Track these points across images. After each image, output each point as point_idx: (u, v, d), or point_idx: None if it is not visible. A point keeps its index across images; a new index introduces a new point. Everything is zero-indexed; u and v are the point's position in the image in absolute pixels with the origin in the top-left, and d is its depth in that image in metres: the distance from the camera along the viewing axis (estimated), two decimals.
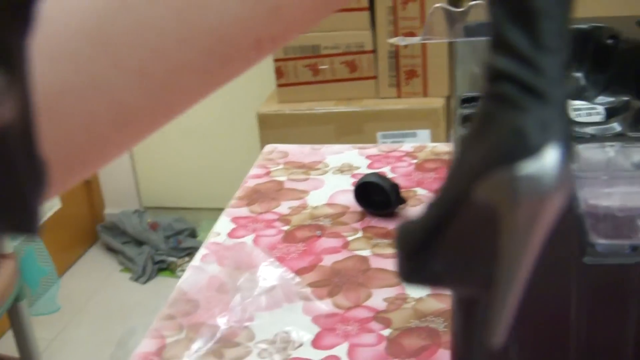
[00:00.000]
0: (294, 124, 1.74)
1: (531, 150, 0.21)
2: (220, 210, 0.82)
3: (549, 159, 0.21)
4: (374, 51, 1.76)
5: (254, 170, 0.89)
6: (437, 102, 1.74)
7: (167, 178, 2.51)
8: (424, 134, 1.73)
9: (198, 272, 0.70)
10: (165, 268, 2.34)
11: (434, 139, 1.72)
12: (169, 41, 0.27)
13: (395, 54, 1.75)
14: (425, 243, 0.26)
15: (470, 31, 0.77)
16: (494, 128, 0.22)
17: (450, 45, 1.58)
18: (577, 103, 0.65)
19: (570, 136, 0.22)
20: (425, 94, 1.78)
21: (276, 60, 1.76)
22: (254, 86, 2.07)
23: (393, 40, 0.80)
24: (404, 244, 0.27)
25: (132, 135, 0.30)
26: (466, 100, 0.62)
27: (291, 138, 1.71)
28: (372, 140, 1.73)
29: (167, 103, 0.30)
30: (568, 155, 0.22)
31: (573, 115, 0.62)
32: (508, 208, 0.22)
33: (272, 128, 1.75)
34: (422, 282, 0.27)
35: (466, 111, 0.59)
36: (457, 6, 1.75)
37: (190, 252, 2.33)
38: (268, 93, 1.89)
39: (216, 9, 0.27)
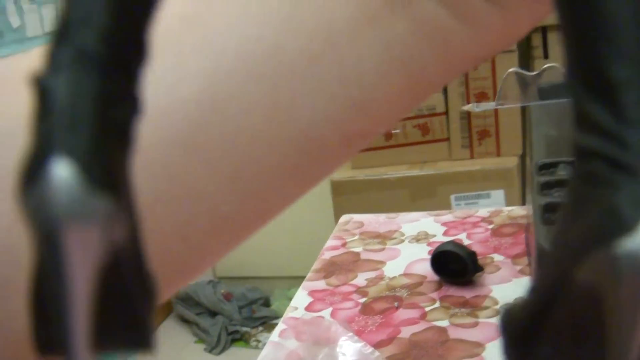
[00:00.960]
0: (368, 190, 1.75)
1: (627, 227, 0.20)
2: (293, 278, 0.83)
3: None
4: (445, 113, 1.77)
5: (330, 242, 0.89)
6: (510, 162, 1.72)
7: (240, 247, 2.52)
8: (498, 195, 1.71)
9: (277, 348, 0.70)
10: (239, 338, 2.34)
11: (509, 198, 1.71)
12: (261, 144, 0.27)
13: (467, 115, 1.75)
14: (530, 328, 0.25)
15: (544, 93, 0.77)
16: (588, 208, 0.22)
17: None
18: None
19: None
20: (498, 153, 1.77)
21: None
22: None
23: (467, 107, 0.80)
24: (509, 329, 0.26)
25: (228, 241, 0.30)
26: (543, 167, 0.62)
27: (365, 204, 1.72)
28: (446, 203, 1.72)
29: (261, 207, 0.29)
30: None
31: None
32: (611, 287, 0.22)
33: (346, 194, 1.76)
34: None
35: (544, 178, 0.58)
36: (529, 69, 1.75)
37: (264, 321, 2.34)
38: None
39: (305, 109, 0.27)
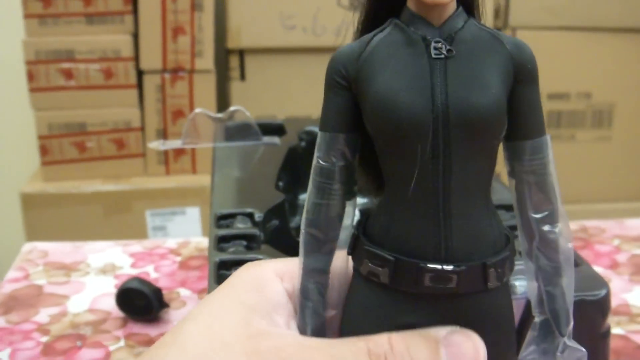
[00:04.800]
0: (60, 204, 1.70)
1: None
2: None
3: None
4: (142, 128, 1.77)
5: (11, 273, 0.86)
6: (205, 180, 1.77)
7: None
8: (193, 211, 1.75)
9: None
10: None
11: (203, 215, 1.75)
12: None
13: (164, 132, 1.77)
14: None
15: (231, 134, 0.80)
16: None
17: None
18: None
19: None
20: (194, 170, 1.81)
21: (40, 137, 1.72)
22: (17, 164, 2.01)
23: (153, 145, 0.81)
24: None
25: None
26: (222, 218, 0.64)
27: (57, 219, 1.67)
28: (141, 219, 1.72)
29: None
30: None
31: None
32: None
33: (37, 208, 1.70)
34: None
35: (221, 232, 0.60)
36: (226, 90, 1.81)
37: None
38: (32, 172, 1.83)
39: None
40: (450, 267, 0.30)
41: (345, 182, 0.32)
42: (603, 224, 0.95)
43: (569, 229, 0.33)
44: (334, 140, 0.32)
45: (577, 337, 0.34)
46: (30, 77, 1.70)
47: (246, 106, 0.84)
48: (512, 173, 0.33)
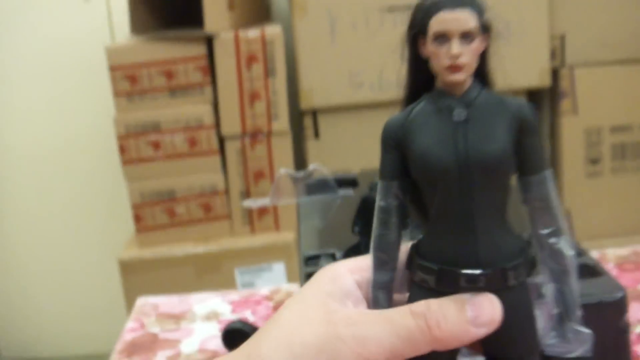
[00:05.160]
0: (156, 268, 1.81)
1: None
2: (88, 357, 0.88)
3: None
4: (226, 192, 1.88)
5: (129, 324, 0.96)
6: (288, 236, 1.86)
7: (28, 325, 2.49)
8: (278, 267, 1.84)
9: None
10: None
11: (288, 269, 1.84)
12: None
13: (247, 193, 1.87)
14: None
15: (311, 189, 0.89)
16: None
17: None
18: None
19: None
20: (277, 228, 1.90)
21: (134, 206, 1.84)
22: (113, 232, 2.14)
23: (246, 203, 0.91)
24: None
25: None
26: (309, 259, 0.73)
27: (153, 282, 1.78)
28: (231, 277, 1.82)
29: None
30: None
31: None
32: None
33: (134, 273, 1.81)
34: None
35: (309, 269, 0.69)
36: (302, 149, 1.91)
37: None
38: (127, 239, 1.96)
39: None
40: (479, 272, 0.40)
41: (400, 216, 0.43)
42: None
43: (570, 241, 0.43)
44: (390, 186, 0.43)
45: (600, 333, 0.44)
46: (122, 150, 1.83)
47: (321, 162, 0.93)
48: (524, 200, 0.43)
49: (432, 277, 0.41)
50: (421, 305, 0.41)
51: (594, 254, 0.99)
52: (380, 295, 0.44)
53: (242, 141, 1.87)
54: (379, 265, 0.44)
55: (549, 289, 0.43)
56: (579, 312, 0.43)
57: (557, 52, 1.93)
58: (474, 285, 0.40)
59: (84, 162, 2.36)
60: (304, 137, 1.93)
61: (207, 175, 1.86)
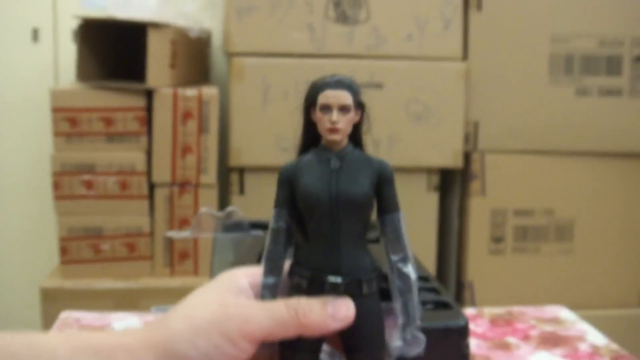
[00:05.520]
0: (77, 299, 1.91)
1: None
2: None
3: None
4: (151, 234, 2.00)
5: (52, 333, 1.06)
6: (206, 281, 1.98)
7: None
8: None
9: None
10: None
11: None
12: None
13: (170, 238, 1.99)
14: None
15: (227, 228, 1.04)
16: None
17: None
18: None
19: None
20: (196, 273, 2.03)
21: (62, 239, 1.95)
22: (36, 263, 2.23)
23: (170, 233, 1.05)
24: None
25: None
26: None
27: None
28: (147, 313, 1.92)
29: None
30: None
31: None
32: None
33: (55, 302, 1.91)
34: None
35: None
36: (227, 203, 2.05)
37: None
38: (50, 270, 2.05)
39: None
40: (340, 280, 0.54)
41: (287, 236, 0.57)
42: (525, 309, 1.17)
43: (414, 266, 0.57)
44: (281, 213, 0.57)
45: (445, 355, 0.57)
46: (56, 186, 1.94)
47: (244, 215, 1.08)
48: (381, 233, 0.57)
49: (305, 281, 0.55)
50: (294, 300, 0.55)
51: (471, 310, 1.15)
52: (267, 294, 0.57)
53: (171, 189, 2.00)
54: (267, 271, 0.57)
55: (395, 302, 0.57)
56: (418, 322, 0.57)
57: (471, 137, 2.12)
58: (335, 290, 0.54)
59: (18, 193, 2.46)
60: (230, 192, 2.07)
61: (134, 217, 1.98)
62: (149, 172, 1.99)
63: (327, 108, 0.55)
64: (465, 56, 2.08)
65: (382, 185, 0.55)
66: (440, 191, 2.14)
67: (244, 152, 2.02)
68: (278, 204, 0.57)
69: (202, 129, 1.99)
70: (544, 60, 2.10)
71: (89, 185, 1.95)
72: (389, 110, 2.02)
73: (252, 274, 0.58)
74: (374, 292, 0.56)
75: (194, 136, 1.99)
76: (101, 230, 1.97)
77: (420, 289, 0.66)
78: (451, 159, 2.09)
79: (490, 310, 1.17)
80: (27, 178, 2.43)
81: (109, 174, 1.96)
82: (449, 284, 2.22)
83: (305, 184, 0.55)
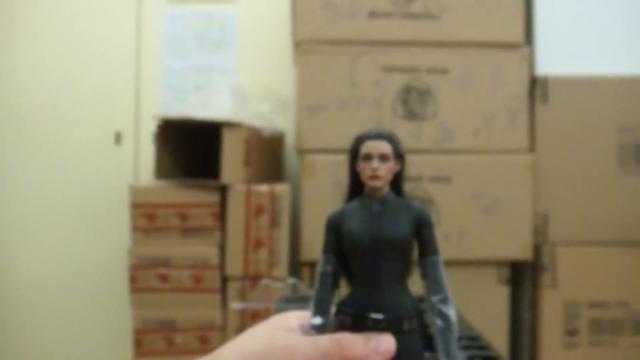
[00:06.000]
0: None
1: None
2: None
3: None
4: (223, 328, 2.03)
5: None
6: None
7: None
8: None
9: None
10: None
11: None
12: None
13: (241, 327, 2.01)
14: None
15: (288, 301, 1.06)
16: None
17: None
18: None
19: None
20: None
21: (136, 331, 1.99)
22: (112, 355, 2.27)
23: (234, 305, 1.08)
24: None
25: None
26: None
27: None
28: None
29: None
30: None
31: None
32: None
33: None
34: None
35: None
36: (279, 279, 2.07)
37: None
38: None
39: None
40: (382, 317, 0.58)
41: (334, 279, 0.61)
42: None
43: (454, 307, 0.60)
44: (328, 257, 0.61)
45: None
46: (133, 279, 2.00)
47: None
48: (422, 275, 0.61)
49: (349, 318, 0.59)
50: (338, 334, 0.58)
51: None
52: (315, 334, 0.61)
53: (243, 283, 2.04)
54: (315, 312, 0.61)
55: (437, 343, 0.59)
56: (458, 358, 0.59)
57: (540, 229, 2.11)
58: (378, 327, 0.57)
59: (94, 287, 2.54)
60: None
61: (207, 310, 2.02)
62: (222, 266, 2.04)
63: (368, 157, 0.59)
64: (532, 148, 2.09)
65: (421, 229, 0.59)
66: (511, 284, 2.12)
67: (315, 246, 2.05)
68: (325, 249, 0.61)
69: (274, 223, 2.04)
70: (613, 150, 2.10)
71: (164, 278, 2.01)
72: (457, 203, 2.04)
73: (301, 316, 0.63)
74: (414, 329, 0.59)
75: (266, 230, 2.04)
76: (174, 323, 2.01)
77: (471, 347, 0.69)
78: (521, 251, 2.08)
79: None
80: (105, 272, 2.51)
81: (183, 268, 2.02)
82: None
83: (349, 227, 0.59)
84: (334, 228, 0.61)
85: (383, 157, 0.60)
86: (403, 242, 0.58)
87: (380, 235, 0.58)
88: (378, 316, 0.57)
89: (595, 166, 2.11)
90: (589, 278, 2.12)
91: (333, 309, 0.61)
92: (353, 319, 0.58)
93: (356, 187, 0.62)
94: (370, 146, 0.60)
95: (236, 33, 2.59)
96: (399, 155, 0.61)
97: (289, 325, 0.61)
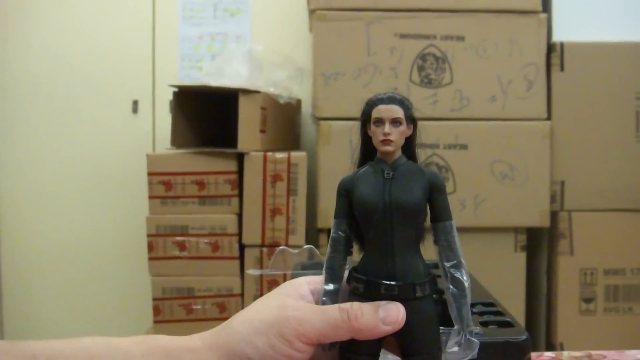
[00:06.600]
0: None
1: None
2: None
3: None
4: (241, 295, 2.05)
5: None
6: None
7: None
8: None
9: None
10: None
11: None
12: None
13: (259, 294, 2.03)
14: None
15: (304, 267, 1.07)
16: None
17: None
18: None
19: None
20: None
21: (155, 299, 2.02)
22: (130, 322, 2.30)
23: (249, 271, 1.09)
24: None
25: None
26: None
27: None
28: None
29: None
30: None
31: None
32: None
33: None
34: None
35: None
36: (294, 247, 2.07)
37: None
38: (145, 329, 2.12)
39: None
40: (394, 283, 0.57)
41: (346, 245, 0.60)
42: (606, 352, 1.15)
43: (467, 272, 0.59)
44: (340, 222, 0.60)
45: None
46: (150, 247, 2.02)
47: None
48: (435, 241, 0.60)
49: (362, 285, 0.58)
50: (347, 304, 0.58)
51: (549, 354, 1.14)
52: (327, 301, 0.60)
53: (261, 251, 2.05)
54: (327, 279, 0.61)
55: (450, 307, 0.59)
56: (471, 326, 0.59)
57: (557, 196, 2.11)
58: (390, 293, 0.57)
59: (112, 255, 2.57)
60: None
61: (225, 277, 2.04)
62: (239, 234, 2.05)
63: (380, 121, 0.58)
64: (549, 116, 2.08)
65: (434, 194, 0.59)
66: (528, 251, 2.13)
67: (332, 214, 2.05)
68: (337, 214, 0.60)
69: (291, 191, 2.05)
70: (630, 117, 2.09)
71: (182, 246, 2.03)
72: (474, 171, 2.03)
73: (313, 281, 0.62)
74: (427, 295, 0.58)
75: (283, 198, 2.05)
76: (193, 291, 2.03)
77: (486, 312, 0.68)
78: (538, 218, 2.08)
79: (569, 354, 1.16)
80: (123, 240, 2.54)
81: (201, 236, 2.03)
82: (538, 345, 2.18)
83: (361, 193, 0.58)
84: (346, 193, 0.60)
85: (395, 122, 0.58)
86: (415, 208, 0.57)
87: (392, 200, 0.57)
88: (390, 282, 0.57)
89: (612, 133, 2.10)
90: (605, 245, 2.11)
91: (346, 274, 0.61)
92: (365, 285, 0.58)
93: (368, 151, 0.61)
94: (382, 110, 0.58)
95: (251, 0, 2.58)
96: (412, 119, 0.60)
97: (301, 292, 0.61)
